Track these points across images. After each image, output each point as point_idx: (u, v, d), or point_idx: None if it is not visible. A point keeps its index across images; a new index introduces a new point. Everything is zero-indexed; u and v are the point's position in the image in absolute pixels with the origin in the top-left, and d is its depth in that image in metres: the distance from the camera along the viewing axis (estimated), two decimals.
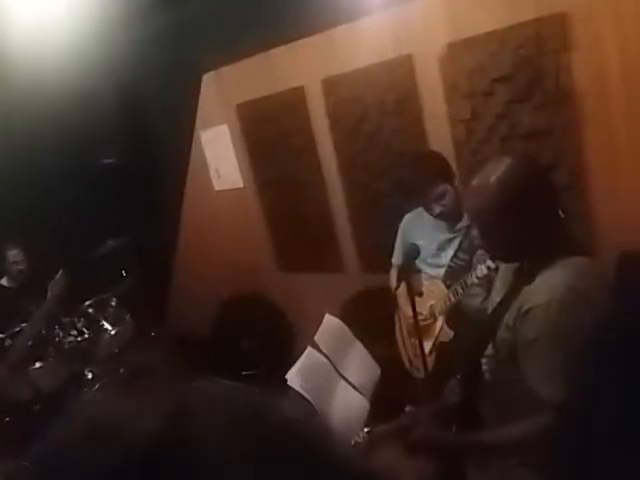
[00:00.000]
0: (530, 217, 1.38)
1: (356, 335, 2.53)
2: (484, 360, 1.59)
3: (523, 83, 2.57)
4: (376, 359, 2.38)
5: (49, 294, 3.19)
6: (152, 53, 3.87)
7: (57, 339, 3.33)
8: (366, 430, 1.39)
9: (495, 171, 1.40)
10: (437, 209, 2.24)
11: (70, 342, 3.36)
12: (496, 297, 1.59)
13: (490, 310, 1.61)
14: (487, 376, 1.59)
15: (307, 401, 2.07)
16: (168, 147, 4.26)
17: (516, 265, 1.51)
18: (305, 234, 3.73)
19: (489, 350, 1.56)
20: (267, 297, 4.10)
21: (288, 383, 2.12)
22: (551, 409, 1.31)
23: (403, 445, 1.57)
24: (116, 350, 3.50)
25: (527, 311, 1.36)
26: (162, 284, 4.52)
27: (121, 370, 3.34)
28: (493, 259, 1.92)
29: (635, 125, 2.36)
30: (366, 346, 2.44)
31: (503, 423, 1.47)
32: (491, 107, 2.69)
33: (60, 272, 3.25)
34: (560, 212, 1.57)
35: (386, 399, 2.31)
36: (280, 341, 3.94)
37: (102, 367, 3.39)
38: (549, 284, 1.35)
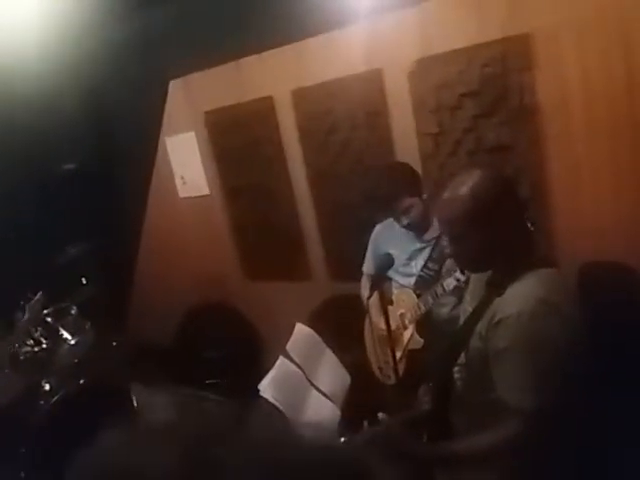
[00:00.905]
0: (499, 229, 1.44)
1: (326, 342, 2.55)
2: (456, 369, 1.62)
3: (489, 99, 2.66)
4: (346, 367, 2.40)
5: (26, 316, 3.06)
6: (119, 57, 3.80)
7: (12, 349, 3.19)
8: (342, 439, 1.39)
9: (465, 183, 1.45)
10: (404, 221, 2.30)
11: (26, 352, 3.22)
12: (468, 307, 1.63)
13: (462, 319, 1.65)
14: (458, 384, 1.62)
15: (279, 411, 2.08)
16: (132, 153, 4.17)
17: (488, 275, 1.56)
18: (273, 242, 3.73)
19: (461, 359, 1.60)
20: (233, 306, 4.07)
21: (261, 393, 2.11)
22: (519, 418, 1.35)
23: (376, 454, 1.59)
24: (76, 360, 3.39)
25: (498, 321, 1.40)
26: (124, 292, 4.42)
27: (81, 381, 3.23)
28: (462, 270, 1.98)
29: (594, 141, 2.48)
30: (335, 354, 2.46)
31: (474, 431, 1.50)
32: (458, 121, 2.76)
33: (39, 294, 3.13)
34: (529, 224, 1.63)
35: (356, 406, 2.33)
36: (246, 350, 3.91)
37: (61, 378, 3.27)
38: (520, 295, 1.40)
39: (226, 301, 4.08)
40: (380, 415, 1.61)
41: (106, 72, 3.89)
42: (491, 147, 2.70)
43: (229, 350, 3.95)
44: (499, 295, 1.45)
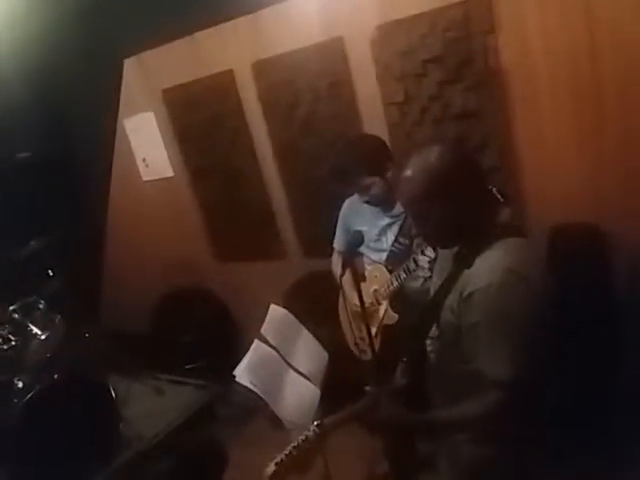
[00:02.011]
0: (461, 203, 1.41)
1: (301, 321, 2.53)
2: (429, 342, 1.62)
3: (453, 64, 2.60)
4: (323, 343, 2.39)
5: None
6: (69, 36, 3.62)
7: None
8: (316, 423, 1.38)
9: (423, 161, 1.42)
10: (364, 198, 2.27)
11: None
12: (437, 280, 1.62)
13: (432, 292, 1.64)
14: (432, 357, 1.62)
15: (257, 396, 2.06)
16: (90, 137, 4.02)
17: (455, 250, 1.54)
18: (243, 222, 3.66)
19: (433, 331, 1.59)
20: (207, 289, 4.01)
21: (237, 380, 2.08)
22: (497, 388, 1.35)
23: (360, 426, 1.59)
24: (48, 355, 3.31)
25: (469, 295, 1.39)
26: (93, 281, 4.31)
27: (55, 376, 3.16)
28: (430, 246, 1.96)
29: (558, 102, 2.45)
30: (312, 331, 2.44)
31: (450, 403, 1.50)
32: (423, 89, 2.71)
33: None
34: (499, 195, 1.61)
35: (336, 384, 2.32)
36: (223, 333, 3.88)
37: (34, 375, 3.19)
38: (488, 267, 1.38)
39: (199, 284, 4.02)
40: (367, 388, 1.61)
41: (57, 53, 3.71)
42: (457, 114, 2.66)
43: (206, 334, 3.92)
44: (467, 267, 1.44)
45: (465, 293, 1.41)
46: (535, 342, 1.37)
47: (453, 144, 1.61)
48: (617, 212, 2.41)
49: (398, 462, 2.65)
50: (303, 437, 1.33)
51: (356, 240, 2.12)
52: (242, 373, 2.10)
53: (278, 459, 1.28)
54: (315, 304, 2.98)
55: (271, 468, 1.27)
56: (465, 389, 1.45)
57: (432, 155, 1.43)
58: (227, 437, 3.39)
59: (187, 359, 3.97)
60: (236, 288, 3.84)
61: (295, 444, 1.32)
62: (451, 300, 1.48)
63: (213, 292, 3.98)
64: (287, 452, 1.29)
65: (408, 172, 1.44)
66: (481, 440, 1.55)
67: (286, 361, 2.21)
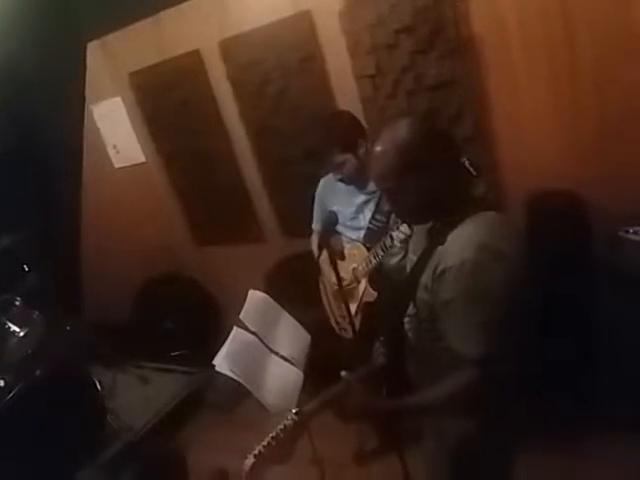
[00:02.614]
0: (433, 178, 1.38)
1: (284, 301, 2.49)
2: (406, 319, 1.60)
3: (424, 34, 2.53)
4: (305, 324, 2.36)
5: None
6: (28, 21, 3.48)
7: None
8: (294, 411, 1.35)
9: (393, 136, 1.38)
10: (338, 176, 2.23)
11: None
12: (413, 256, 1.60)
13: (408, 270, 1.61)
14: (410, 335, 1.60)
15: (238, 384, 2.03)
16: (57, 126, 3.89)
17: (429, 225, 1.52)
18: (219, 205, 3.59)
19: (410, 309, 1.57)
20: (187, 274, 3.95)
21: (216, 369, 2.05)
22: (472, 365, 1.33)
23: (337, 414, 1.58)
24: (29, 352, 3.25)
25: (442, 272, 1.36)
26: (71, 274, 4.23)
27: (37, 372, 3.11)
28: (403, 222, 1.92)
29: (534, 69, 2.41)
30: (295, 312, 2.41)
31: (429, 381, 1.48)
32: (395, 60, 2.64)
33: None
34: (471, 169, 1.57)
35: (320, 364, 2.31)
36: (206, 318, 3.84)
37: (15, 372, 3.13)
38: (461, 243, 1.35)
39: (180, 270, 3.96)
40: (343, 373, 1.58)
41: (15, 40, 3.56)
42: (431, 84, 2.60)
43: (188, 320, 3.88)
44: (441, 244, 1.41)
45: (438, 270, 1.38)
46: (510, 318, 1.35)
47: (423, 117, 1.56)
48: (594, 177, 2.39)
49: (387, 438, 2.67)
50: (281, 426, 1.31)
51: (330, 220, 2.09)
52: (222, 362, 2.07)
53: (256, 451, 1.26)
54: (297, 285, 2.95)
55: (250, 460, 1.25)
56: (443, 367, 1.43)
57: (401, 129, 1.38)
58: (216, 422, 3.39)
59: (172, 346, 3.94)
60: (217, 272, 3.79)
61: (273, 434, 1.29)
62: (425, 278, 1.45)
63: (194, 278, 3.93)
64: (265, 443, 1.27)
65: (378, 148, 1.41)
66: (463, 415, 1.54)
67: (267, 346, 2.18)
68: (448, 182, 1.41)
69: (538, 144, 2.50)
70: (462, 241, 1.36)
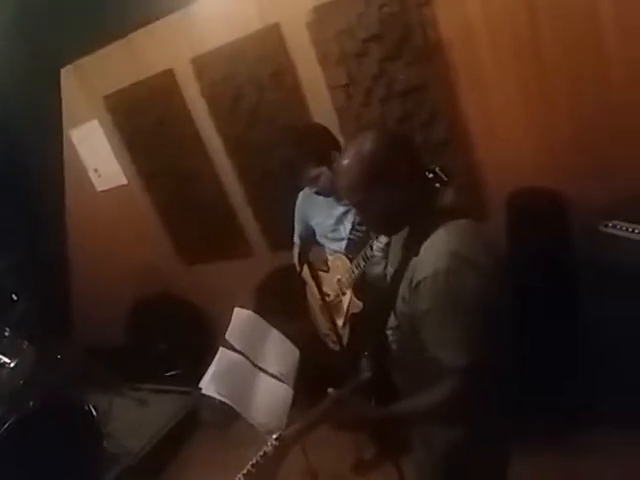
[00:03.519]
0: (399, 189, 1.38)
1: (275, 315, 2.48)
2: (389, 332, 1.60)
3: (392, 41, 2.54)
4: (297, 336, 2.35)
5: None
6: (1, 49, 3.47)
7: None
8: (274, 437, 1.34)
9: (357, 150, 1.37)
10: (314, 189, 2.23)
11: None
12: (391, 269, 1.59)
13: (388, 281, 1.61)
14: (394, 347, 1.60)
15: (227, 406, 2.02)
16: (38, 152, 3.88)
17: (404, 235, 1.51)
18: (204, 223, 3.58)
19: (392, 321, 1.57)
20: (176, 293, 3.94)
21: (203, 392, 2.04)
22: (453, 375, 1.33)
23: (329, 428, 1.57)
24: (21, 382, 3.23)
25: (417, 284, 1.36)
26: (61, 300, 4.21)
27: (30, 403, 3.09)
28: (374, 234, 1.92)
29: (503, 69, 2.42)
30: (286, 324, 2.40)
31: (416, 391, 1.48)
32: (365, 69, 2.64)
33: None
34: (442, 175, 1.57)
35: (311, 377, 2.30)
36: (198, 336, 3.82)
37: (8, 404, 3.12)
38: (433, 254, 1.35)
39: (169, 289, 3.95)
40: (329, 390, 1.58)
41: None
42: (402, 90, 2.60)
43: (182, 339, 3.86)
44: (415, 255, 1.41)
45: (414, 282, 1.38)
46: (488, 324, 1.35)
47: (385, 129, 1.56)
48: (571, 172, 2.40)
49: (384, 447, 2.67)
50: (262, 453, 1.29)
51: (307, 235, 2.07)
52: (208, 384, 2.06)
53: (237, 479, 1.24)
54: (287, 297, 2.94)
55: None
56: (428, 377, 1.43)
57: (365, 143, 1.38)
58: (212, 440, 3.38)
59: (166, 366, 3.92)
60: (207, 290, 3.78)
61: (254, 461, 1.28)
62: (402, 289, 1.46)
63: (184, 296, 3.91)
64: (245, 471, 1.25)
65: (344, 162, 1.40)
66: (449, 423, 1.54)
67: (254, 364, 2.17)
68: (416, 192, 1.41)
69: (513, 142, 2.51)
70: (434, 251, 1.36)
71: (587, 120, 2.34)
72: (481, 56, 2.44)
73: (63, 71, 3.56)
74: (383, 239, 1.96)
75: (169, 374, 3.91)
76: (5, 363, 3.19)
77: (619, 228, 2.20)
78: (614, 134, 2.30)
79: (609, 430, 2.24)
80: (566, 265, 2.36)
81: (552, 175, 2.43)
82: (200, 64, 3.11)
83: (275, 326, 2.31)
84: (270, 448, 1.29)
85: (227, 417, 3.29)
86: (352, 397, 1.54)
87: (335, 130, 2.54)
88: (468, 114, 2.54)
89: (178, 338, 3.88)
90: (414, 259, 1.41)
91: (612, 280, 2.12)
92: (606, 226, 2.25)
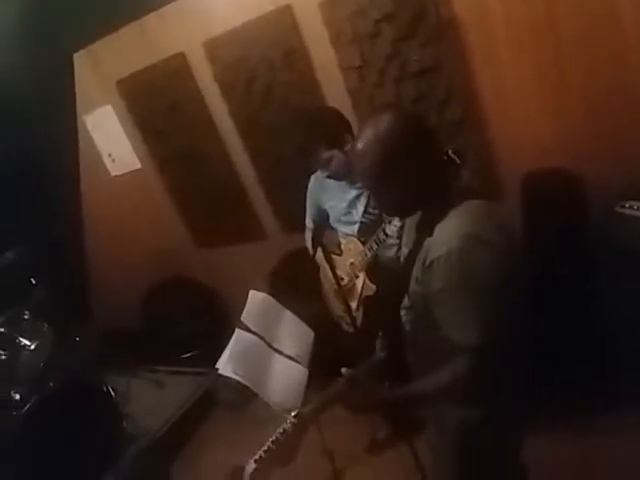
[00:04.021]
0: (416, 172, 1.38)
1: (289, 297, 2.50)
2: (403, 312, 1.61)
3: (406, 20, 2.51)
4: (311, 318, 2.37)
5: None
6: (13, 35, 3.48)
7: None
8: (293, 414, 1.36)
9: (374, 131, 1.37)
10: (326, 173, 2.21)
11: None
12: (405, 250, 1.60)
13: (402, 262, 1.61)
14: (407, 327, 1.61)
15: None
16: (53, 139, 3.91)
17: (418, 218, 1.52)
18: (217, 206, 3.60)
19: (405, 302, 1.58)
20: (193, 277, 3.98)
21: (220, 372, 2.07)
22: (465, 354, 1.34)
23: (344, 407, 1.59)
24: (41, 364, 3.30)
25: (430, 263, 1.37)
26: (79, 283, 4.28)
27: (51, 384, 3.16)
28: (389, 217, 1.92)
29: (518, 47, 2.38)
30: (301, 307, 2.42)
31: (430, 370, 1.49)
32: (379, 49, 2.62)
33: None
34: (456, 157, 1.57)
35: (326, 359, 2.32)
36: (214, 318, 3.87)
37: (29, 385, 3.19)
38: (447, 234, 1.36)
39: (185, 273, 3.99)
40: (343, 370, 1.60)
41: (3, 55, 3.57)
42: (416, 71, 2.58)
43: (197, 321, 3.91)
44: (429, 236, 1.42)
45: (427, 262, 1.39)
46: (502, 304, 1.35)
47: (402, 110, 1.55)
48: (586, 151, 2.37)
49: (398, 427, 2.69)
50: (281, 430, 1.32)
51: (320, 219, 2.07)
52: (225, 365, 2.09)
53: (257, 456, 1.27)
54: (302, 280, 2.96)
55: (251, 466, 1.26)
56: (442, 356, 1.44)
57: (383, 125, 1.37)
58: (230, 420, 3.43)
59: (183, 348, 3.98)
60: (221, 273, 3.81)
61: (273, 438, 1.30)
62: (416, 270, 1.46)
63: (199, 279, 3.95)
64: (266, 448, 1.28)
65: (360, 145, 1.40)
66: (463, 404, 1.55)
67: (270, 345, 2.20)
68: (432, 175, 1.41)
69: (527, 121, 2.48)
70: (448, 232, 1.37)
71: (602, 99, 2.30)
72: (496, 35, 2.40)
73: (75, 56, 3.57)
74: (396, 222, 1.96)
75: (185, 356, 3.97)
76: (26, 345, 3.26)
77: (636, 209, 2.18)
78: (630, 114, 2.26)
79: (623, 411, 2.24)
80: (581, 246, 2.35)
81: (567, 154, 2.40)
82: (212, 47, 3.10)
83: (289, 308, 2.33)
84: (289, 425, 1.32)
85: (244, 397, 3.36)
86: (365, 378, 1.56)
87: (348, 112, 2.53)
88: (483, 94, 2.51)
89: (193, 321, 3.93)
90: (428, 240, 1.42)
91: (628, 261, 2.10)
92: (622, 207, 2.23)
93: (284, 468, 1.35)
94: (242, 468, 1.35)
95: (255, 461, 1.26)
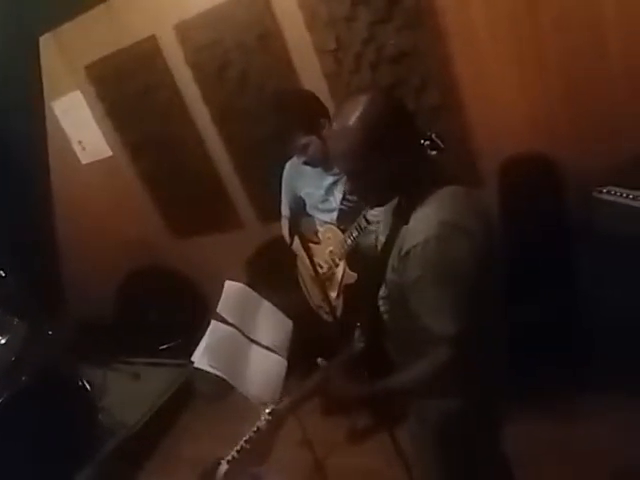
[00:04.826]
0: (395, 156, 1.33)
1: (267, 287, 2.46)
2: (381, 302, 1.58)
3: (383, 3, 2.45)
4: (290, 308, 2.33)
5: None
6: None
7: None
8: (267, 411, 1.32)
9: (352, 113, 1.30)
10: (302, 159, 2.16)
11: None
12: (381, 238, 1.56)
13: (378, 251, 1.58)
14: (386, 317, 1.58)
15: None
16: (20, 126, 3.76)
17: (394, 205, 1.48)
18: (192, 195, 3.52)
19: (382, 291, 1.55)
20: (167, 266, 3.90)
21: (195, 365, 2.03)
22: (443, 344, 1.32)
23: (318, 404, 1.56)
24: (13, 359, 3.21)
25: (407, 252, 1.33)
26: (50, 274, 4.16)
27: (23, 378, 3.08)
28: (366, 204, 1.88)
29: (497, 32, 2.34)
30: (279, 296, 2.38)
31: (409, 360, 1.47)
32: (355, 33, 2.56)
33: None
34: (439, 142, 1.53)
35: (305, 348, 2.29)
36: (191, 309, 3.80)
37: (1, 380, 3.10)
38: (423, 222, 1.33)
39: (161, 263, 3.91)
40: (319, 360, 1.56)
41: None
42: (393, 56, 2.52)
43: (174, 312, 3.84)
44: (405, 224, 1.38)
45: (403, 251, 1.36)
46: (479, 292, 1.32)
47: (383, 92, 1.50)
48: (565, 136, 2.36)
49: (378, 415, 2.68)
50: (255, 428, 1.28)
51: (297, 206, 2.02)
52: (200, 357, 2.05)
53: (230, 456, 1.23)
54: (279, 269, 2.91)
55: (224, 467, 1.22)
56: (421, 346, 1.41)
57: (363, 105, 1.30)
58: (207, 412, 3.39)
59: (160, 340, 3.92)
60: (198, 263, 3.74)
61: (247, 437, 1.26)
62: (392, 259, 1.43)
63: (175, 269, 3.87)
64: (238, 447, 1.24)
65: (339, 126, 1.33)
66: (442, 394, 1.53)
67: (247, 336, 2.15)
68: (410, 159, 1.37)
69: (506, 106, 2.45)
70: (425, 219, 1.33)
71: (582, 84, 2.28)
72: (474, 18, 2.36)
73: (42, 40, 3.43)
74: (377, 208, 1.92)
75: (162, 347, 3.91)
76: None
77: (614, 194, 2.18)
78: (609, 99, 2.25)
79: (603, 395, 2.25)
80: (560, 232, 2.35)
81: (547, 139, 2.39)
82: (184, 29, 3.00)
83: (267, 298, 2.29)
84: (263, 423, 1.28)
85: (222, 389, 3.32)
86: (340, 372, 1.53)
87: (325, 97, 2.48)
88: (461, 79, 2.48)
89: (170, 311, 3.86)
90: (404, 228, 1.39)
91: (607, 245, 2.10)
92: (600, 192, 2.22)
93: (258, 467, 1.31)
94: (216, 465, 1.31)
95: (228, 462, 1.22)
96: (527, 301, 2.33)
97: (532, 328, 2.27)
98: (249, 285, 2.28)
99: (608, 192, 2.19)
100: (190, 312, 3.80)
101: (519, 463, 1.81)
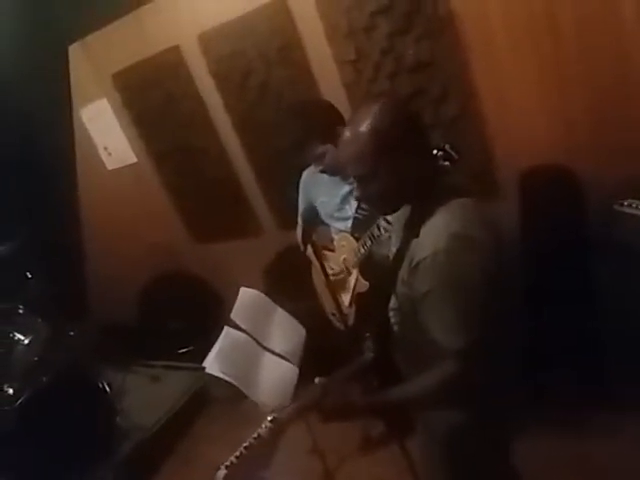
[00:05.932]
0: (406, 164, 1.33)
1: (283, 294, 2.47)
2: (391, 313, 1.57)
3: (402, 13, 2.46)
4: (304, 315, 2.34)
5: None
6: (7, 28, 3.45)
7: None
8: (269, 419, 1.33)
9: (365, 119, 1.32)
10: (319, 167, 2.17)
11: None
12: (393, 249, 1.56)
13: (390, 262, 1.58)
14: (395, 328, 1.58)
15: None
16: (49, 132, 3.87)
17: (406, 216, 1.48)
18: (213, 201, 3.57)
19: (393, 303, 1.54)
20: (188, 272, 3.95)
21: (207, 370, 2.05)
22: (452, 356, 1.31)
23: (318, 416, 1.56)
24: (35, 359, 3.28)
25: (417, 265, 1.33)
26: (75, 277, 4.26)
27: (44, 379, 3.15)
28: (377, 213, 1.89)
29: (516, 42, 2.33)
30: (296, 304, 2.39)
31: (417, 372, 1.46)
32: (374, 43, 2.57)
33: None
34: (452, 153, 1.52)
35: (319, 356, 2.29)
36: (210, 314, 3.84)
37: (23, 380, 3.17)
38: (433, 235, 1.32)
39: (181, 268, 3.96)
40: (316, 380, 1.55)
41: None
42: (412, 66, 2.53)
43: (193, 316, 3.88)
44: (416, 236, 1.38)
45: (413, 263, 1.36)
46: (488, 306, 1.31)
47: (396, 100, 1.51)
48: (586, 147, 2.32)
49: (392, 425, 2.66)
50: (255, 435, 1.29)
51: (310, 215, 2.03)
52: (212, 363, 2.07)
53: (228, 462, 1.24)
54: (295, 278, 2.93)
55: (222, 472, 1.23)
56: (429, 359, 1.41)
57: (375, 113, 1.32)
58: (223, 416, 3.41)
59: (179, 344, 3.96)
60: (218, 269, 3.78)
61: (247, 444, 1.27)
62: (402, 271, 1.43)
63: (196, 274, 3.93)
64: (238, 453, 1.25)
65: (350, 132, 1.35)
66: (449, 407, 1.52)
67: (260, 343, 2.17)
68: (421, 169, 1.37)
69: (526, 117, 2.42)
70: (434, 232, 1.33)
71: (602, 95, 2.24)
72: (493, 28, 2.34)
73: (70, 49, 3.53)
74: (389, 219, 1.92)
75: (181, 351, 3.95)
76: (19, 340, 3.25)
77: (635, 207, 2.13)
78: (631, 109, 2.21)
79: (623, 411, 2.20)
80: (579, 244, 2.30)
81: (566, 150, 2.35)
82: (207, 40, 3.06)
83: (284, 305, 2.30)
84: (265, 430, 1.28)
85: (237, 393, 3.35)
86: (341, 384, 1.52)
87: (344, 107, 2.49)
88: (480, 89, 2.46)
89: (190, 316, 3.90)
90: (414, 240, 1.38)
91: (626, 259, 2.06)
92: (621, 205, 2.18)
93: (259, 473, 1.32)
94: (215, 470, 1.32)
95: (226, 467, 1.23)
96: (546, 314, 2.30)
97: (552, 343, 2.24)
98: (266, 292, 2.30)
99: (629, 205, 2.15)
100: (210, 317, 3.84)
101: (534, 477, 1.78)
